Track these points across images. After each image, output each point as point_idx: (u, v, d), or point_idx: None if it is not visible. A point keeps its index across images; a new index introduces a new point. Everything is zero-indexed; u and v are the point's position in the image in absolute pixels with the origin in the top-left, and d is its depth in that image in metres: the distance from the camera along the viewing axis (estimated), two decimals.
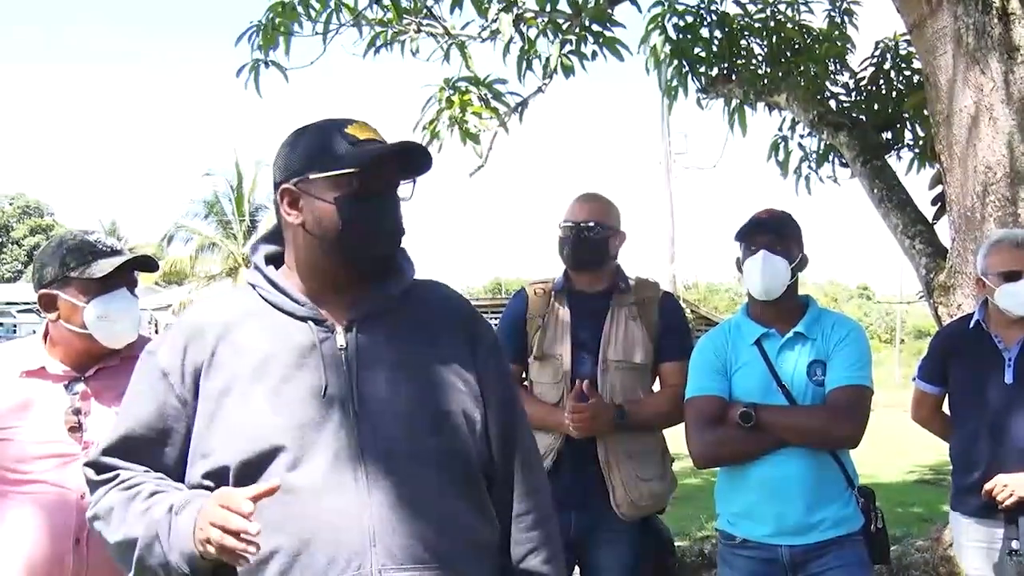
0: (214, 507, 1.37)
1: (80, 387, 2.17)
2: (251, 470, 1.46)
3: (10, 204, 53.11)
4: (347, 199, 1.53)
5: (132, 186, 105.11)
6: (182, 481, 1.53)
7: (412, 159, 1.61)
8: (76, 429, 2.11)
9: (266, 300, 1.59)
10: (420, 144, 1.66)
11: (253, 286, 1.62)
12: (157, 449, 1.54)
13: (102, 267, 2.15)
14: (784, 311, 2.67)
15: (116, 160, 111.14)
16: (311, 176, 1.55)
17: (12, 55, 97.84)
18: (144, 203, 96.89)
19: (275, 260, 1.66)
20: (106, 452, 1.56)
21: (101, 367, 2.20)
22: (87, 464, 1.58)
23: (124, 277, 2.19)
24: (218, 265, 32.79)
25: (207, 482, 1.48)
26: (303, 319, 1.56)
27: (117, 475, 1.54)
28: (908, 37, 4.77)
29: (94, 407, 2.16)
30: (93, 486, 1.58)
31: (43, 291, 2.18)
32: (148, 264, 2.29)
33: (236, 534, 1.33)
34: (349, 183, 1.53)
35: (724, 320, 2.89)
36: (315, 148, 1.57)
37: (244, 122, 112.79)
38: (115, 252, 2.20)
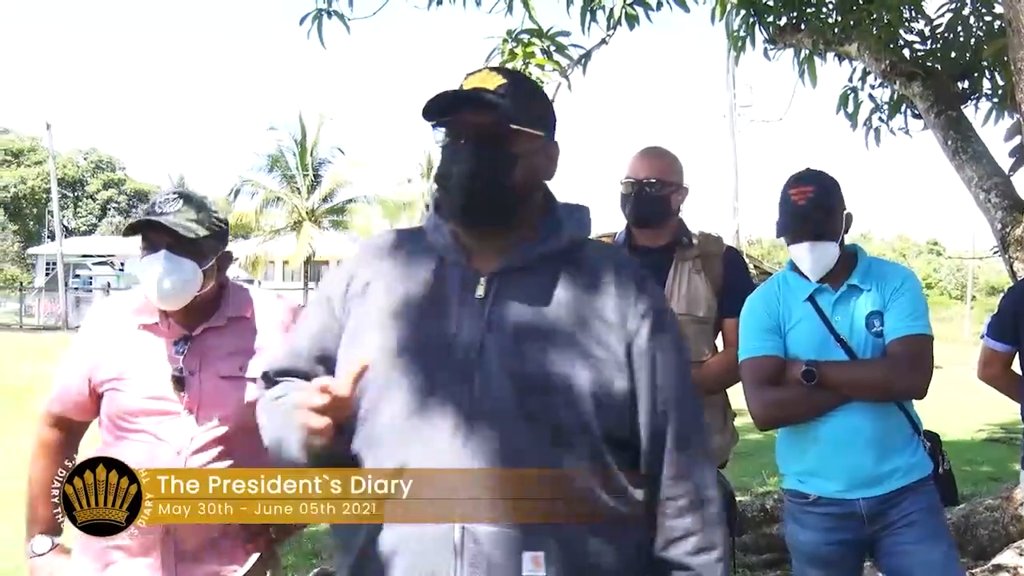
0: (300, 393, 1.48)
1: (187, 346, 2.19)
2: (369, 404, 1.51)
3: (84, 159, 54.59)
4: (441, 149, 1.60)
5: (200, 141, 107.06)
6: None
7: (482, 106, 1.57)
8: (180, 388, 2.14)
9: (430, 241, 1.63)
10: (477, 91, 1.56)
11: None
12: (314, 365, 1.63)
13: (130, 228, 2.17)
14: (835, 266, 2.60)
15: (184, 115, 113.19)
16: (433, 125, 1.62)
17: (83, 17, 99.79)
18: (212, 157, 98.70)
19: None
20: (273, 365, 1.68)
21: (208, 327, 2.21)
22: (261, 377, 1.69)
23: (161, 238, 2.13)
24: (283, 219, 33.32)
25: None
26: (454, 264, 1.60)
27: (276, 384, 1.64)
28: None
29: (199, 366, 2.17)
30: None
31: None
32: (152, 225, 2.12)
33: (322, 410, 1.41)
34: (439, 133, 1.60)
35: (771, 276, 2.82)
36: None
37: (308, 76, 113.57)
38: (152, 212, 2.15)
